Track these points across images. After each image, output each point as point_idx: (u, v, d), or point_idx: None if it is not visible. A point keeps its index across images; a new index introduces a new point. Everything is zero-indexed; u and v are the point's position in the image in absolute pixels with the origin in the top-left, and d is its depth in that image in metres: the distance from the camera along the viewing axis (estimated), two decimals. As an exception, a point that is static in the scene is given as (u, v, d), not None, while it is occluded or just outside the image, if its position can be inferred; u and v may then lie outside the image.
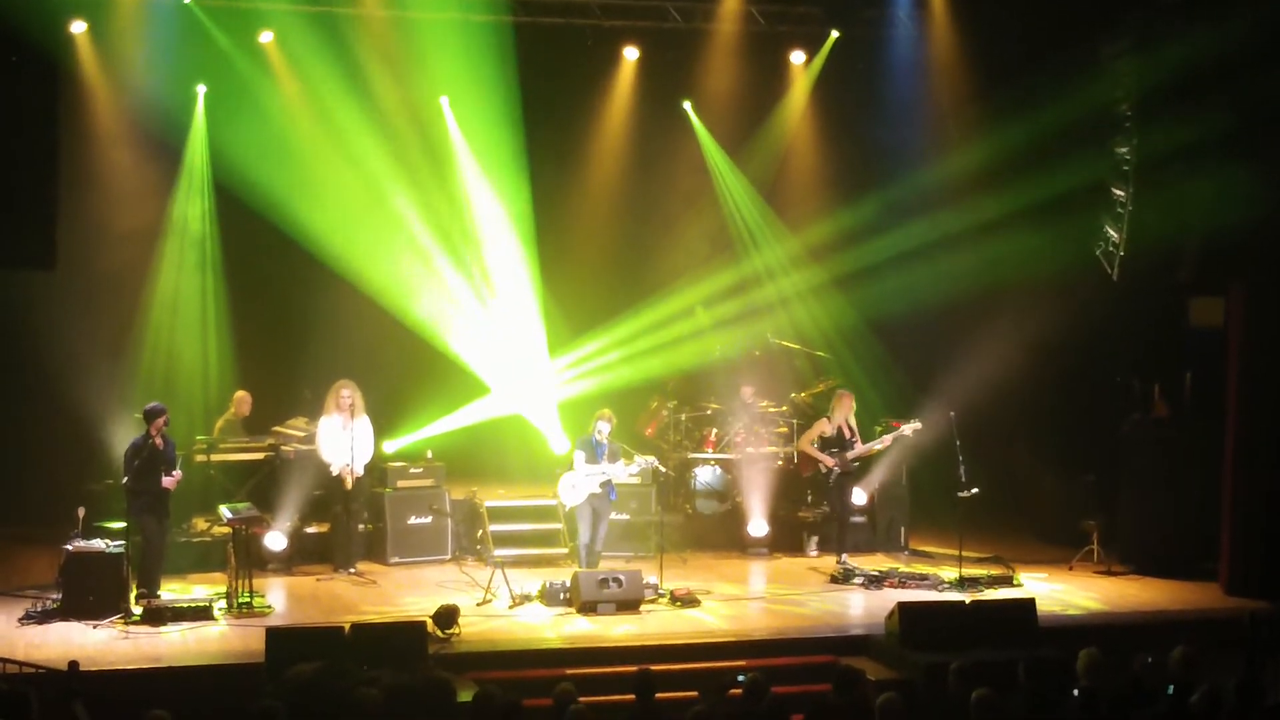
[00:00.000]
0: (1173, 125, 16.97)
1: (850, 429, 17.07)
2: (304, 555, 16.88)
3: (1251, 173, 15.81)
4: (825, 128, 20.59)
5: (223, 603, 14.49)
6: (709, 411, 19.08)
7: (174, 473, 14.72)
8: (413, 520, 17.20)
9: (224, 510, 15.14)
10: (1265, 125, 16.01)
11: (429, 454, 17.89)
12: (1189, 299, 18.45)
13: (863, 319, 19.88)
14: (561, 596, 14.91)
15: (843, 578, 16.29)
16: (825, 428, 17.08)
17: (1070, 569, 16.98)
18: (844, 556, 16.81)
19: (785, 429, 18.73)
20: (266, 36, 18.42)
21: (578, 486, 16.08)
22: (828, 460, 16.88)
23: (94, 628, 13.71)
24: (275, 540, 16.48)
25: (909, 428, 16.89)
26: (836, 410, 17.08)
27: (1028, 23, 18.43)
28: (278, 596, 15.33)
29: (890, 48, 19.85)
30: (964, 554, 16.17)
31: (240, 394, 18.03)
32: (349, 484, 16.47)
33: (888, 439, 17.01)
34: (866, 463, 17.90)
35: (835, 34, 19.92)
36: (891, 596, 15.04)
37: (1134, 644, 12.15)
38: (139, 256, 18.61)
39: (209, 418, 18.14)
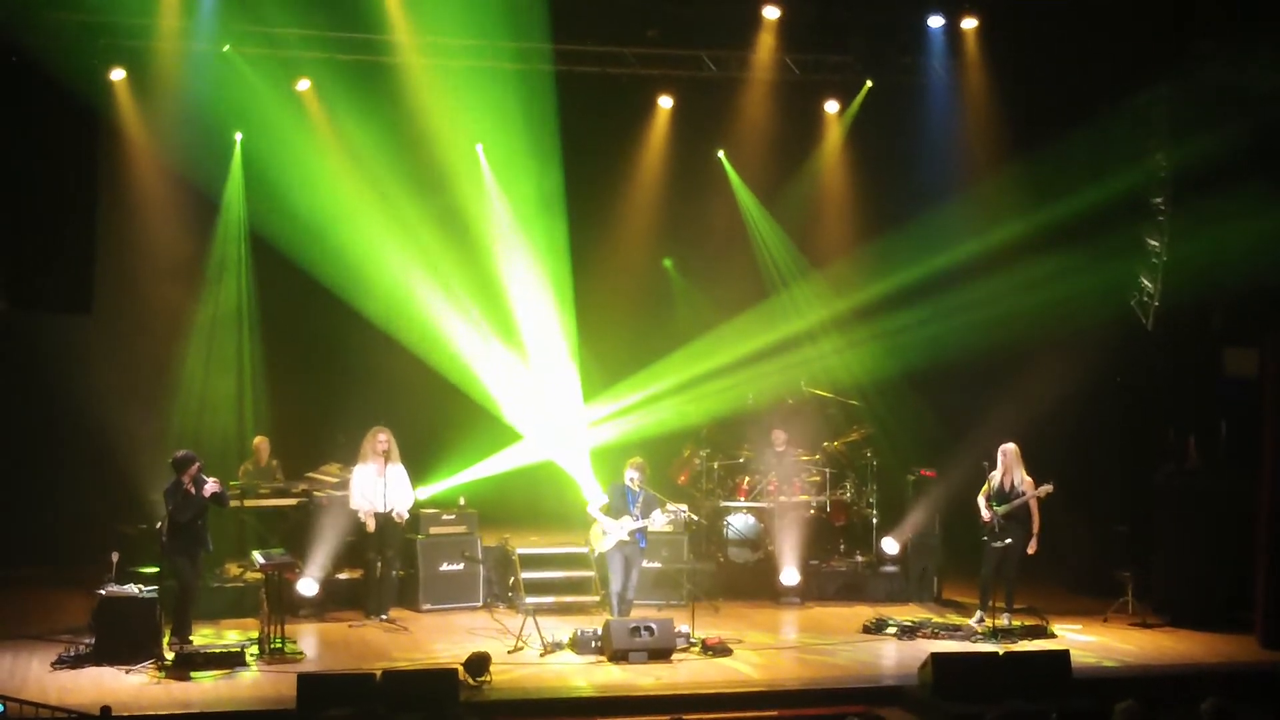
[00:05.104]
0: (1208, 175, 16.95)
1: (1011, 482, 16.25)
2: (336, 601, 16.87)
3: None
4: (859, 176, 20.60)
5: (255, 648, 14.51)
6: (742, 460, 19.04)
7: (210, 481, 14.73)
8: (445, 567, 17.19)
9: (257, 555, 15.14)
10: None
11: (461, 500, 17.87)
12: (1223, 349, 18.36)
13: (896, 367, 19.79)
14: (593, 645, 14.89)
15: (875, 627, 16.21)
16: (992, 481, 16.37)
17: (1104, 620, 16.85)
18: (980, 615, 16.27)
19: (818, 477, 18.67)
20: (303, 84, 18.58)
21: (609, 532, 16.04)
22: (984, 514, 16.38)
23: (126, 673, 13.72)
24: (308, 586, 16.48)
25: (1043, 489, 16.16)
26: (1000, 462, 16.32)
27: (1062, 71, 18.44)
28: (310, 642, 15.33)
29: (925, 97, 19.85)
30: (997, 605, 16.09)
31: (258, 440, 18.00)
32: (370, 527, 16.46)
33: (1018, 501, 16.12)
34: (901, 513, 17.93)
35: (869, 83, 19.96)
36: (924, 647, 15.00)
37: (1169, 696, 12.08)
38: (175, 301, 18.73)
39: (241, 462, 18.17)
